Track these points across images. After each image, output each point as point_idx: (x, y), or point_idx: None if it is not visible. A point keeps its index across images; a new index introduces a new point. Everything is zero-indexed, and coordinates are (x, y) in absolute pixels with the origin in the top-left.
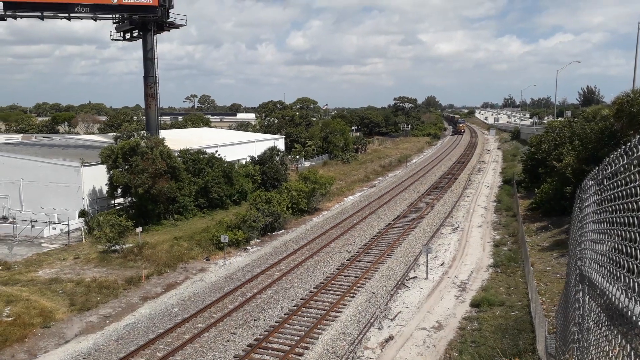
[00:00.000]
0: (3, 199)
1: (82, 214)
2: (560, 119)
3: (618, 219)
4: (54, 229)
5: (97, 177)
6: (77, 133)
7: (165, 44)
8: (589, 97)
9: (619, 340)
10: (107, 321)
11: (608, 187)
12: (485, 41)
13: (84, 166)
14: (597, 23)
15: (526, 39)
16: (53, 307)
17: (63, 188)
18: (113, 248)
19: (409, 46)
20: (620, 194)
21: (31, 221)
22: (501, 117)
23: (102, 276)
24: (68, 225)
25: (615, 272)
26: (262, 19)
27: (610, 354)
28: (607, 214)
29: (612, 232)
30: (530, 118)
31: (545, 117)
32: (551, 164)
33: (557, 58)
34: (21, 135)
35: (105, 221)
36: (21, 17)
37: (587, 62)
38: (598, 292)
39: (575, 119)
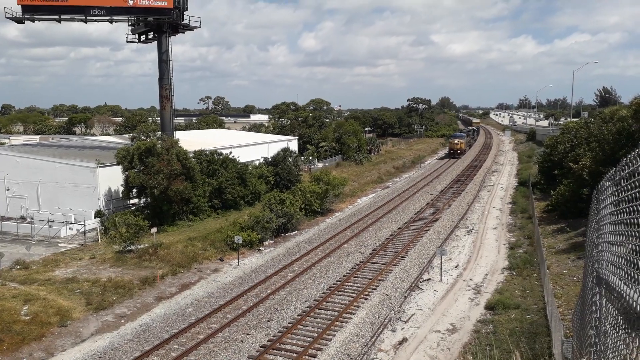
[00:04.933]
0: (21, 199)
1: (98, 214)
2: (576, 120)
3: (636, 220)
4: (71, 229)
5: (112, 177)
6: (93, 134)
7: (178, 46)
8: (606, 98)
9: (637, 344)
10: (123, 321)
11: (626, 187)
12: (499, 42)
13: (100, 167)
14: (613, 23)
15: (541, 40)
16: (70, 306)
17: (79, 188)
18: (128, 248)
19: (421, 47)
20: (638, 195)
21: (48, 221)
22: (518, 118)
23: (117, 276)
24: (84, 225)
25: (633, 275)
26: (273, 21)
27: (628, 358)
28: (625, 215)
29: (630, 233)
30: (546, 119)
31: (562, 118)
32: (567, 166)
33: (572, 58)
34: (39, 136)
35: (121, 221)
36: (39, 20)
37: (604, 62)
38: (615, 295)
39: (592, 120)
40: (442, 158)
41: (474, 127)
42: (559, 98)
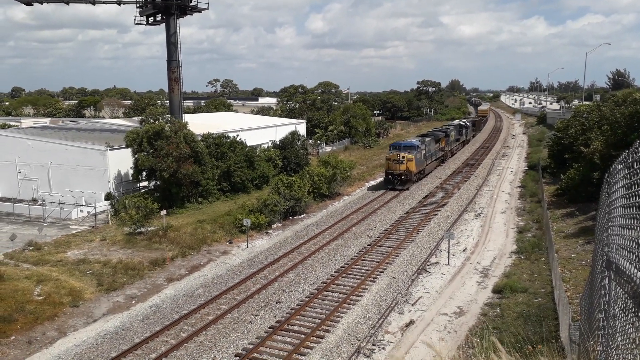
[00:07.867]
0: (33, 181)
1: (108, 196)
2: (588, 103)
3: None
4: (82, 211)
5: (122, 160)
6: (103, 117)
7: (185, 28)
8: (619, 81)
9: None
10: (133, 301)
11: (638, 170)
12: (509, 23)
13: (110, 150)
14: (626, 3)
15: (552, 21)
16: (81, 287)
17: (90, 171)
18: (138, 230)
19: (430, 28)
20: None
21: (59, 203)
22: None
23: (127, 257)
24: (95, 207)
25: None
26: (280, 2)
27: (637, 341)
28: (637, 198)
29: None
30: (557, 102)
31: (574, 101)
32: (578, 149)
33: (585, 40)
34: (49, 119)
35: (131, 204)
36: (47, 1)
37: (618, 44)
38: (625, 278)
39: (605, 103)
40: (377, 189)
41: (462, 122)
42: (570, 81)
